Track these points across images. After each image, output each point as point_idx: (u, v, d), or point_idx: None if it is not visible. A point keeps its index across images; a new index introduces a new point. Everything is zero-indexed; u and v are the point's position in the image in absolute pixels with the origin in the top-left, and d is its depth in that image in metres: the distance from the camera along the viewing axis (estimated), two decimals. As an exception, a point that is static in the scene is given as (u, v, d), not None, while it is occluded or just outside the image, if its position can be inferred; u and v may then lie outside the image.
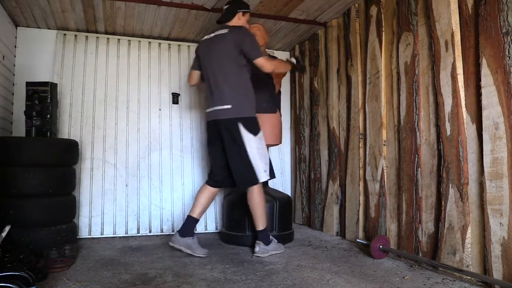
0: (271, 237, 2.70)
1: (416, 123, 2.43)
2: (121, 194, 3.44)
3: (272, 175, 2.69)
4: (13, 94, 3.30)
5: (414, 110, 2.44)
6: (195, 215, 2.67)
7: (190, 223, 2.66)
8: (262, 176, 2.57)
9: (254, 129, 2.56)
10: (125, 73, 3.60)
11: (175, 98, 3.69)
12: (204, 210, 2.72)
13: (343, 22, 3.27)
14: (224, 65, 2.56)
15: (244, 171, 2.56)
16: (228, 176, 2.67)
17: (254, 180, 2.56)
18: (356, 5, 3.07)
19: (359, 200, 2.95)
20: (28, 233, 2.48)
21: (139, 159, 3.53)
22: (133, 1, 2.97)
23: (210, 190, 2.72)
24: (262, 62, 2.50)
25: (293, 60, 2.84)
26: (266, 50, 3.29)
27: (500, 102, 1.90)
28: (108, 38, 3.63)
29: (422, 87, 2.40)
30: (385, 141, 2.74)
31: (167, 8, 3.07)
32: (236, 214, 3.01)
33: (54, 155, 2.69)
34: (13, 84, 3.32)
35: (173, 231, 3.43)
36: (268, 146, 3.17)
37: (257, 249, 2.60)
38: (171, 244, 2.62)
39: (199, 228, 3.57)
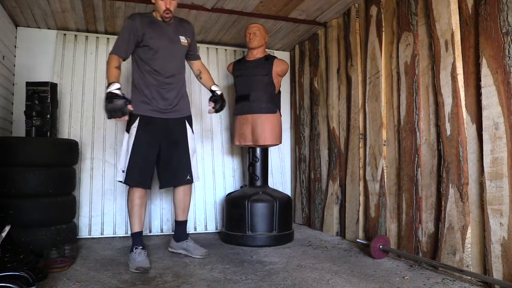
0: (135, 249, 2.38)
1: (416, 123, 2.43)
2: (121, 194, 3.43)
3: (130, 181, 2.43)
4: (13, 94, 3.30)
5: (414, 110, 2.44)
6: (179, 218, 2.69)
7: (178, 226, 2.71)
8: (119, 175, 2.47)
9: (127, 126, 2.46)
10: (125, 73, 3.59)
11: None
12: (183, 208, 2.67)
13: (343, 22, 3.27)
14: None
15: None
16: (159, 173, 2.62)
17: None
18: (356, 5, 3.07)
19: (359, 200, 2.95)
20: (28, 233, 2.48)
21: (139, 159, 3.52)
22: (133, 1, 2.97)
23: (174, 190, 2.68)
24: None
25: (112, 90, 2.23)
26: (266, 50, 3.29)
27: (500, 102, 1.90)
28: (108, 38, 3.62)
29: (422, 87, 2.40)
30: (385, 141, 2.74)
31: (167, 8, 3.06)
32: (236, 214, 3.00)
33: (54, 155, 2.68)
34: (13, 84, 3.32)
35: (173, 231, 3.42)
36: (268, 146, 3.18)
37: None
38: (170, 250, 2.70)
39: (199, 228, 3.57)
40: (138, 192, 2.46)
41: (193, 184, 2.74)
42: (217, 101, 2.62)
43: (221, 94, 2.67)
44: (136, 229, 2.48)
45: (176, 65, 2.54)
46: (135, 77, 2.50)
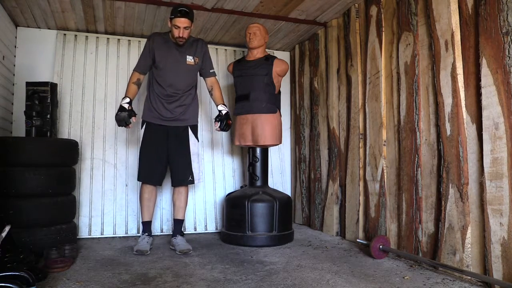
0: (143, 234, 2.82)
1: (416, 123, 2.43)
2: (121, 194, 3.44)
3: (139, 177, 2.83)
4: (13, 94, 3.30)
5: (414, 110, 2.44)
6: (174, 216, 2.93)
7: (174, 224, 2.96)
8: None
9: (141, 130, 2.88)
10: (125, 73, 3.59)
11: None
12: (178, 207, 2.90)
13: (343, 22, 3.27)
14: None
15: None
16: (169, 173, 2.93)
17: None
18: (356, 5, 3.07)
19: (359, 200, 2.95)
20: (28, 233, 2.48)
21: (139, 159, 3.52)
22: (133, 1, 2.98)
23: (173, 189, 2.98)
24: None
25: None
26: (266, 50, 3.29)
27: (500, 102, 1.91)
28: (108, 38, 3.63)
29: (422, 87, 2.40)
30: (385, 141, 2.74)
31: (167, 8, 3.06)
32: (236, 214, 3.01)
33: (54, 155, 2.69)
34: (13, 84, 3.32)
35: (172, 231, 3.42)
36: (268, 146, 3.18)
37: None
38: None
39: (199, 228, 3.57)
40: (146, 188, 2.82)
41: (193, 184, 2.93)
42: (222, 121, 2.82)
43: (227, 113, 2.85)
44: (145, 218, 2.85)
45: (182, 81, 2.79)
46: (149, 87, 2.86)
